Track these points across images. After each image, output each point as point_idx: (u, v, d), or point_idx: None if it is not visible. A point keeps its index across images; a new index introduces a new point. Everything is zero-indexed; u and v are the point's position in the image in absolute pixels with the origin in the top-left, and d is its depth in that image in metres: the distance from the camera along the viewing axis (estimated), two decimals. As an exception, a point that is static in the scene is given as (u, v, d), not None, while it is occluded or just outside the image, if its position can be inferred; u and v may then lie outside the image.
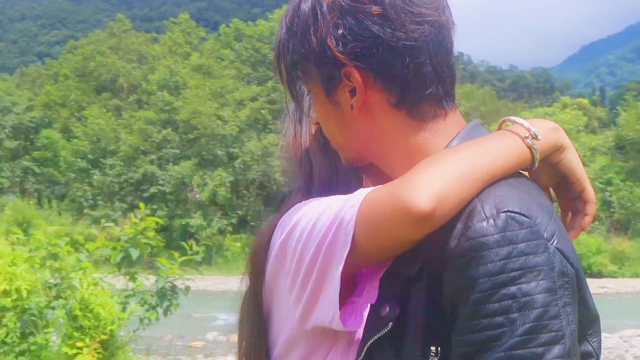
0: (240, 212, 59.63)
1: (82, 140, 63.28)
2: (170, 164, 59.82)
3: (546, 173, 1.67)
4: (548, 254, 1.39)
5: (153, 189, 59.43)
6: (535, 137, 1.56)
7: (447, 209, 1.44)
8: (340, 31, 1.57)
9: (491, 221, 1.41)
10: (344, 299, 1.64)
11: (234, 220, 59.38)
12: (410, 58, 1.56)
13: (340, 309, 1.61)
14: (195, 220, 57.76)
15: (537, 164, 1.58)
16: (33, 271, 10.86)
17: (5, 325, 10.41)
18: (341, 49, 1.58)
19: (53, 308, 10.45)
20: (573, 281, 1.42)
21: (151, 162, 60.90)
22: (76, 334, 10.32)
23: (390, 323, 1.53)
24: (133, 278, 10.50)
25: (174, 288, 10.24)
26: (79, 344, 10.25)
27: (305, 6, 1.63)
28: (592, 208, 1.69)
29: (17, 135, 69.29)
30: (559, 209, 1.73)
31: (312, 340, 1.73)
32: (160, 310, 10.16)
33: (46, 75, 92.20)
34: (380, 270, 1.62)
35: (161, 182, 59.40)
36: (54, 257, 10.60)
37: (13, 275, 10.87)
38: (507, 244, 1.37)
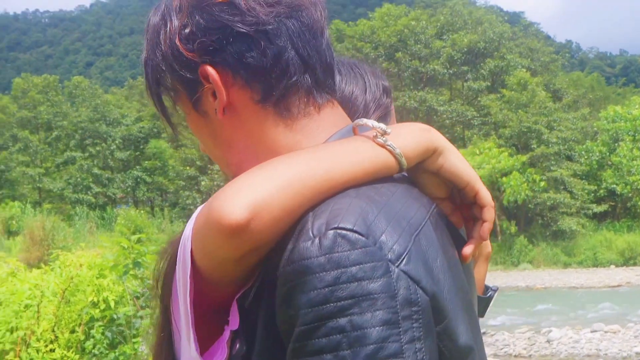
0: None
1: (189, 148, 64.08)
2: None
3: (433, 183, 1.46)
4: (388, 279, 1.18)
5: (260, 193, 59.41)
6: (384, 133, 1.37)
7: (268, 221, 1.25)
8: (187, 30, 1.45)
9: (317, 241, 1.20)
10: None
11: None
12: (266, 43, 1.42)
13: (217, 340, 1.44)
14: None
15: (404, 164, 1.38)
16: (121, 281, 10.94)
17: (93, 337, 10.48)
18: (190, 47, 1.44)
19: (141, 317, 10.48)
20: (427, 311, 1.21)
21: (258, 166, 61.27)
22: (162, 343, 10.30)
23: None
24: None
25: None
26: (165, 353, 10.23)
27: (155, 17, 1.52)
28: (489, 213, 1.46)
29: (127, 146, 71.09)
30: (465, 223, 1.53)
31: None
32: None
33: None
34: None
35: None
36: (138, 265, 10.61)
37: (100, 287, 10.97)
38: (334, 268, 1.18)
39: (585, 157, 56.64)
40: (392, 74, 63.89)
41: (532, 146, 55.05)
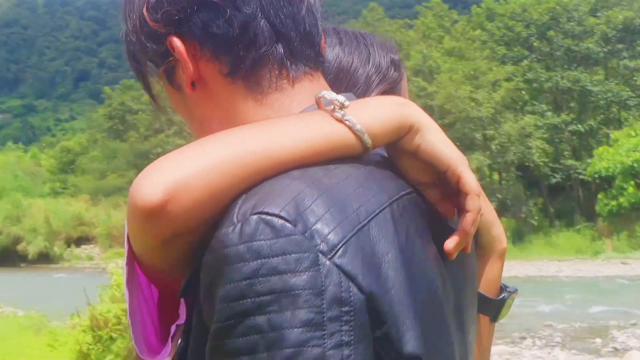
0: (499, 196, 58.66)
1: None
2: (427, 149, 59.75)
3: (414, 166, 1.28)
4: (315, 273, 1.05)
5: (410, 176, 59.47)
6: (342, 106, 1.23)
7: (188, 204, 1.14)
8: None
9: (238, 227, 1.09)
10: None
11: (493, 204, 58.38)
12: (233, 11, 1.31)
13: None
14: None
15: (367, 142, 1.22)
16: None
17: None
18: (156, 17, 1.34)
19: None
20: (361, 312, 1.07)
21: (410, 149, 61.22)
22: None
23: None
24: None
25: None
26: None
27: None
28: (472, 201, 1.25)
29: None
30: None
31: None
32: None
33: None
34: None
35: (419, 168, 59.58)
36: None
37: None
38: (253, 258, 1.05)
39: None
40: (544, 53, 62.66)
41: (693, 126, 53.08)
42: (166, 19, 1.33)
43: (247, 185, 1.14)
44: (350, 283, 1.06)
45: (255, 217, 1.08)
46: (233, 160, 1.14)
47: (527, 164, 59.32)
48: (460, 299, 1.36)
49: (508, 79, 61.07)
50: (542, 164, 58.74)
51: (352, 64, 1.92)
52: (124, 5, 1.42)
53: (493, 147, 58.93)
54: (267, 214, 1.08)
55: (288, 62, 1.35)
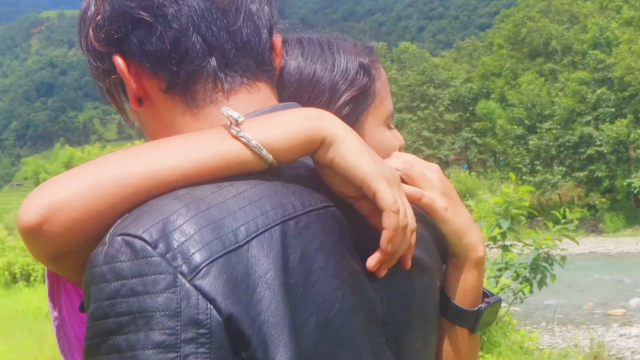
0: (684, 169, 56.78)
1: (517, 108, 63.77)
2: (607, 123, 58.57)
3: (338, 180, 1.28)
4: (170, 295, 1.05)
5: (590, 150, 58.73)
6: (237, 123, 1.21)
7: (65, 223, 1.14)
8: (99, 17, 1.36)
9: (105, 247, 1.09)
10: None
11: (677, 178, 56.60)
12: (164, 28, 1.31)
13: None
14: (638, 180, 55.83)
15: (268, 158, 1.22)
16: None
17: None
18: (99, 36, 1.36)
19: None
20: (218, 334, 1.06)
21: (587, 123, 59.96)
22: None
23: None
24: (505, 250, 10.25)
25: (547, 259, 9.98)
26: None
27: (84, 3, 1.43)
28: (387, 218, 1.24)
29: (456, 107, 71.77)
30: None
31: None
32: (534, 283, 9.96)
33: (481, 46, 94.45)
34: None
35: (598, 142, 58.44)
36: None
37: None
38: (114, 279, 1.07)
39: None
40: None
41: None
42: (107, 39, 1.34)
43: (129, 205, 1.16)
44: (208, 305, 1.06)
45: (119, 238, 1.09)
46: (111, 181, 1.15)
47: None
48: (398, 315, 1.37)
49: (693, 47, 58.73)
50: None
51: (313, 73, 1.83)
52: (77, 27, 1.43)
53: (677, 118, 56.80)
54: (130, 235, 1.08)
55: (222, 74, 1.34)
